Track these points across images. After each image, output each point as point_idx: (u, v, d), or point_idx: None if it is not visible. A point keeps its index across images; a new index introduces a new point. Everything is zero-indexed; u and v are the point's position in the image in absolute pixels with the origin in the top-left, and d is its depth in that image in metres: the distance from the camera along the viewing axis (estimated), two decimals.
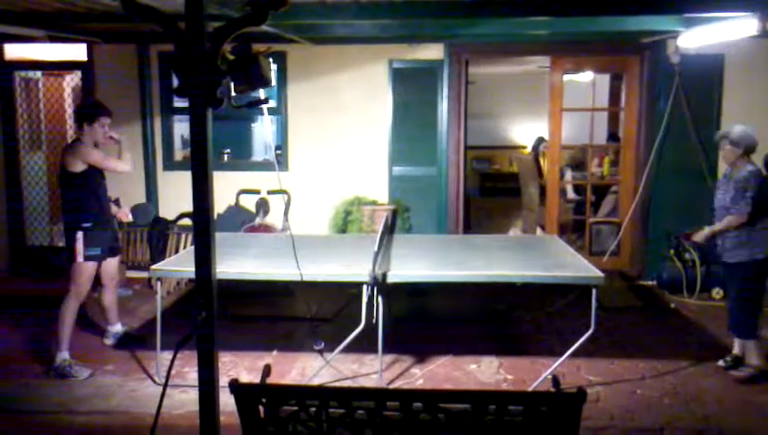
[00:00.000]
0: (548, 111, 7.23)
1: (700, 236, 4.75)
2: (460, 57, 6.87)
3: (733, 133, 4.52)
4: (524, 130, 12.29)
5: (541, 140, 9.29)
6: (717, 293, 6.25)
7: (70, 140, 4.89)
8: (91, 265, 4.69)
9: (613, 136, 8.94)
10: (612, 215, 7.67)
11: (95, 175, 4.70)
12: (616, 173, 7.98)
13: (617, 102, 9.03)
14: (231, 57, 2.29)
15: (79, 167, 4.63)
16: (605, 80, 9.90)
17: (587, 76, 9.52)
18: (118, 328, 5.15)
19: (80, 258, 4.63)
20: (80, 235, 4.62)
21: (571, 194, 8.64)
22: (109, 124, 4.77)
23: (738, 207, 4.45)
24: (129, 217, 5.24)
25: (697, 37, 5.68)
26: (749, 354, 4.50)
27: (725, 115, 6.62)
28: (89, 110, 4.80)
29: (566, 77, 7.29)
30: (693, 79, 6.54)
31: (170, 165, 7.08)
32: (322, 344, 4.59)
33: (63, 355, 4.60)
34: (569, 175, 8.40)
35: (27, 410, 4.11)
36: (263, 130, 9.18)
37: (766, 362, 4.49)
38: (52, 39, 6.22)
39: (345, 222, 6.78)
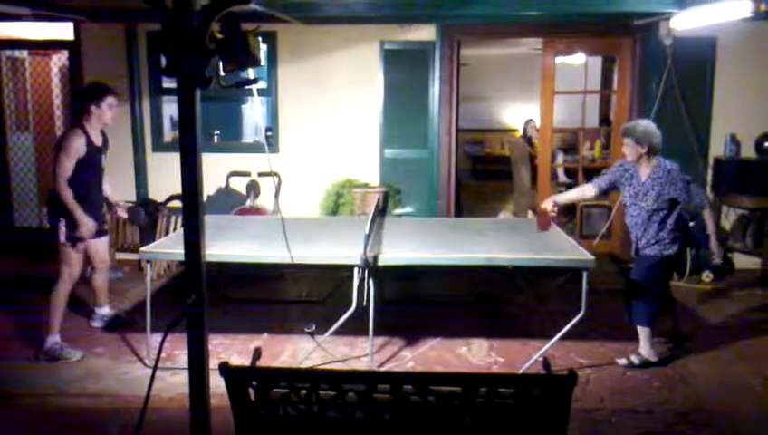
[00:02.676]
0: (540, 94, 7.20)
1: (719, 252, 4.65)
2: (452, 39, 6.82)
3: (637, 130, 4.36)
4: (516, 113, 12.27)
5: (528, 121, 9.28)
6: (707, 276, 6.29)
7: (64, 124, 4.75)
8: (79, 247, 4.64)
9: (606, 120, 8.93)
10: (603, 198, 7.67)
11: (85, 159, 4.59)
12: (607, 156, 7.99)
13: (609, 85, 9.01)
14: (219, 36, 2.25)
15: None
16: (597, 62, 9.86)
17: (579, 59, 9.48)
18: (106, 311, 5.12)
19: (62, 238, 4.57)
20: (63, 221, 4.56)
21: (562, 177, 8.65)
22: (116, 104, 4.69)
23: (696, 201, 4.41)
24: (125, 215, 5.18)
25: (690, 19, 5.65)
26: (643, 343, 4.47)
27: (717, 98, 6.62)
28: (94, 90, 4.66)
29: (558, 59, 7.25)
30: (685, 61, 6.52)
31: (160, 146, 7.02)
32: (314, 327, 4.58)
33: (54, 338, 4.57)
34: (560, 158, 8.41)
35: (16, 392, 4.09)
36: (253, 111, 9.11)
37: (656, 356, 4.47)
38: (38, 17, 6.12)
39: (336, 204, 6.76)
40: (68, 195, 4.51)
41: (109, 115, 4.65)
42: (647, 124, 4.46)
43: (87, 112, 4.61)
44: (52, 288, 4.62)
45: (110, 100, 4.63)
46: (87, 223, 4.58)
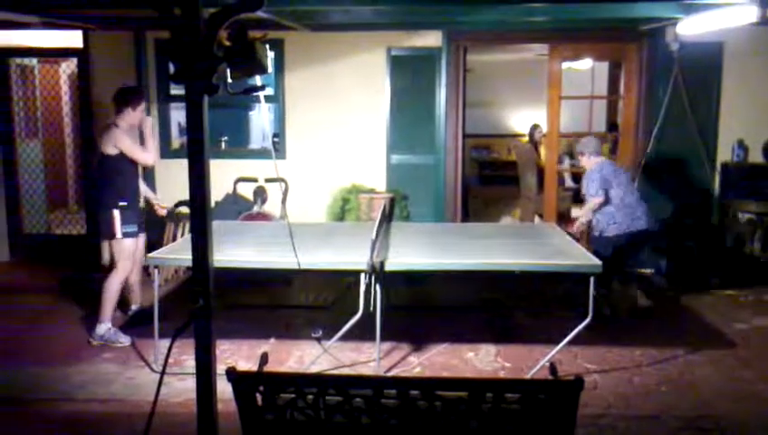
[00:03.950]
0: (546, 99, 7.21)
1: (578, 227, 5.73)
2: (459, 44, 6.84)
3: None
4: (523, 119, 12.25)
5: (535, 126, 9.28)
6: (715, 281, 6.26)
7: (105, 124, 5.14)
8: (131, 241, 4.94)
9: (614, 126, 8.92)
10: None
11: (124, 157, 4.90)
12: (615, 161, 7.96)
13: (616, 90, 9.00)
14: (227, 43, 2.27)
15: (113, 150, 4.87)
16: (604, 68, 9.87)
17: (586, 64, 9.48)
18: (134, 308, 5.34)
19: (119, 235, 4.89)
20: (116, 213, 4.87)
21: (569, 182, 8.64)
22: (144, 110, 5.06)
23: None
24: (164, 212, 5.59)
25: (697, 24, 5.64)
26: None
27: (724, 103, 6.61)
28: (132, 94, 4.99)
29: (565, 65, 7.26)
30: (692, 67, 6.51)
31: (168, 153, 7.05)
32: (320, 332, 4.59)
33: (107, 325, 4.86)
34: (567, 163, 8.39)
35: (25, 397, 4.11)
36: (260, 117, 9.14)
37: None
38: (47, 25, 6.18)
39: (343, 210, 6.77)
40: (150, 148, 4.99)
41: (138, 119, 5.01)
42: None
43: (121, 113, 4.93)
44: (106, 280, 4.91)
45: (143, 105, 5.02)
46: (146, 120, 5.05)
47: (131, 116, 4.93)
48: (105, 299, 4.88)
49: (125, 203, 4.90)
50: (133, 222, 4.95)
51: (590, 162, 5.57)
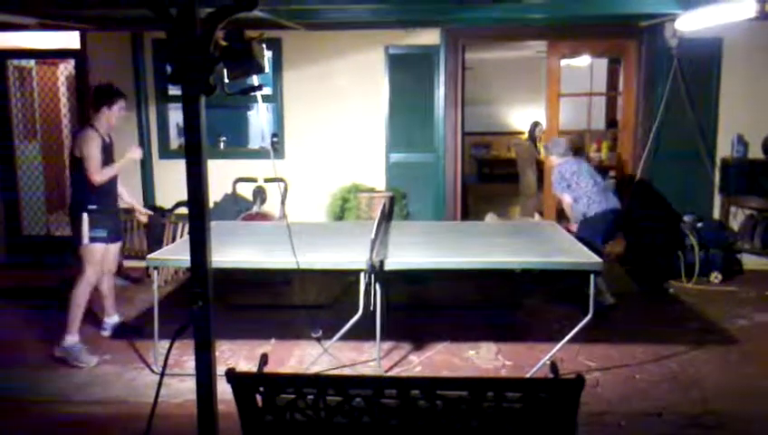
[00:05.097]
0: (545, 97, 7.19)
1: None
2: (457, 42, 6.82)
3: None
4: (522, 116, 12.26)
5: (536, 124, 9.27)
6: (716, 277, 6.26)
7: (73, 127, 4.96)
8: (99, 247, 4.73)
9: (613, 123, 8.91)
10: None
11: (101, 158, 4.71)
12: (614, 158, 7.96)
13: (615, 87, 8.99)
14: (224, 43, 2.26)
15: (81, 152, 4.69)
16: (603, 65, 9.85)
17: (584, 61, 9.47)
18: (115, 319, 5.15)
19: (85, 240, 4.67)
20: (85, 216, 4.67)
21: None
22: (124, 109, 4.88)
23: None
24: (145, 219, 5.43)
25: (696, 20, 5.63)
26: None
27: (724, 99, 6.60)
28: (109, 92, 4.81)
29: (563, 62, 7.24)
30: (691, 62, 6.50)
31: (166, 153, 7.04)
32: (320, 332, 4.58)
33: (73, 338, 4.63)
34: None
35: (24, 398, 4.10)
36: (259, 117, 9.13)
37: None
38: (44, 26, 6.16)
39: (342, 209, 6.76)
40: (109, 169, 4.71)
41: (115, 118, 4.80)
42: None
43: (97, 112, 4.75)
44: (73, 288, 4.68)
45: (121, 103, 4.81)
46: (135, 150, 4.92)
47: (107, 115, 4.72)
48: (72, 307, 4.64)
49: (94, 207, 4.68)
50: (103, 227, 4.72)
51: (554, 162, 5.85)
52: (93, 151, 4.64)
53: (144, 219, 5.41)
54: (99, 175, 4.64)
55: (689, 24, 5.82)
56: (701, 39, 6.35)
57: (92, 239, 4.69)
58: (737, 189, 6.47)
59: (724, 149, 6.64)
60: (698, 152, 6.59)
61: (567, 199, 5.72)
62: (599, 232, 5.50)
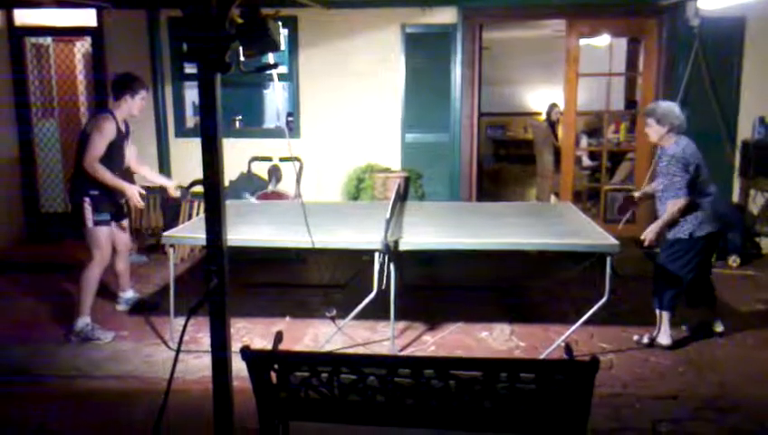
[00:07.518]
0: (564, 77, 7.11)
1: (651, 233, 4.43)
2: (474, 21, 6.74)
3: (658, 111, 4.34)
4: (539, 97, 12.12)
5: (553, 105, 9.18)
6: (734, 260, 6.20)
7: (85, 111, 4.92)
8: (105, 230, 4.73)
9: (632, 104, 8.80)
10: (628, 181, 7.57)
11: (113, 144, 4.70)
12: (632, 139, 7.87)
13: (634, 67, 8.86)
14: (239, 21, 2.25)
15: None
16: (622, 44, 9.69)
17: (604, 40, 9.32)
18: (129, 294, 5.21)
19: (90, 224, 4.68)
20: (87, 201, 4.66)
21: (586, 161, 8.55)
22: (146, 99, 4.88)
23: (671, 193, 4.30)
24: (177, 193, 5.39)
25: None
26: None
27: (746, 79, 6.48)
28: (132, 82, 4.77)
29: (582, 41, 7.14)
30: (713, 42, 6.38)
31: (182, 132, 7.07)
32: (335, 311, 4.60)
33: (85, 320, 4.66)
34: (584, 141, 8.30)
35: (43, 374, 4.17)
36: (274, 96, 9.11)
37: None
38: (60, 4, 6.17)
39: (357, 189, 6.75)
40: (104, 171, 4.63)
41: (138, 107, 4.80)
42: (668, 105, 4.45)
43: (119, 101, 4.74)
44: (82, 271, 4.70)
45: (143, 93, 4.80)
46: (131, 188, 4.74)
47: (129, 104, 4.71)
48: (82, 291, 4.66)
49: (96, 192, 4.65)
50: (107, 210, 4.72)
51: (666, 140, 4.35)
52: (99, 141, 4.60)
53: (177, 193, 5.35)
54: (93, 164, 4.57)
55: (711, 2, 5.71)
56: (723, 18, 6.23)
57: (96, 223, 4.69)
58: (757, 172, 6.38)
59: (744, 131, 6.54)
60: (718, 134, 6.49)
61: (682, 200, 4.23)
62: (692, 264, 4.34)
